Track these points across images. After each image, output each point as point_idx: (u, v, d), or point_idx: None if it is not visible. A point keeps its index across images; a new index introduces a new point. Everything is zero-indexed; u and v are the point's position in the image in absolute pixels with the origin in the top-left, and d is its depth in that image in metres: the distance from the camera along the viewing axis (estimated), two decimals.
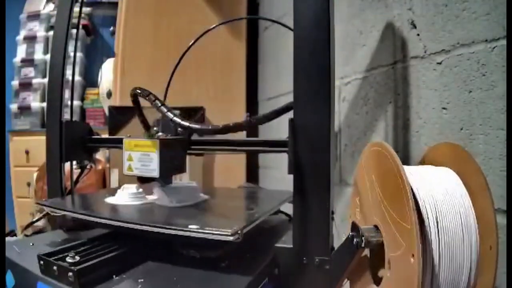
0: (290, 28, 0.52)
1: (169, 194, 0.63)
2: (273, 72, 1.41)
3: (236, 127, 0.58)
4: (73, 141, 0.72)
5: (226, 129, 0.58)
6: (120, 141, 0.64)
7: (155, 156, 0.59)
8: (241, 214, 0.64)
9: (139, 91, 0.66)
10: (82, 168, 0.81)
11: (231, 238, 0.44)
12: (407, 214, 0.38)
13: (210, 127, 0.59)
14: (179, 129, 0.66)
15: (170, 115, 0.62)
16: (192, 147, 0.66)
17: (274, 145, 0.58)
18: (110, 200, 0.65)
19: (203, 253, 0.51)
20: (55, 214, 0.60)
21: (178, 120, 0.61)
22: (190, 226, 0.47)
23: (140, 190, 0.66)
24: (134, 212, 0.60)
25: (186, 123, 0.60)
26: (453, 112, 0.58)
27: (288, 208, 0.74)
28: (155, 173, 0.59)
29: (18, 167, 2.14)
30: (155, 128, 0.70)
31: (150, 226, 0.49)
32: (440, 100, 0.61)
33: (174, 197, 0.62)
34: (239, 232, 0.45)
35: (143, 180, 0.64)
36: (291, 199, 0.73)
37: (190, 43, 0.71)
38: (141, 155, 0.60)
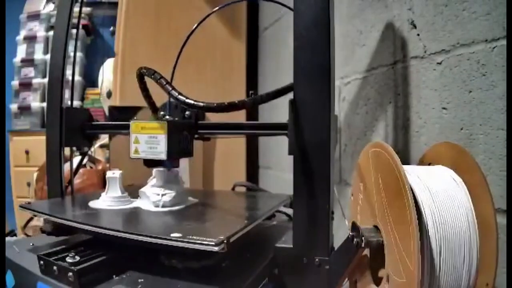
0: (291, 9, 0.52)
1: (155, 198, 0.61)
2: (273, 72, 1.41)
3: (240, 105, 0.58)
4: (73, 127, 0.72)
5: (231, 106, 0.58)
6: (120, 126, 0.64)
7: (162, 138, 0.58)
8: (230, 220, 0.61)
9: (145, 71, 0.66)
10: (83, 154, 0.81)
11: (215, 248, 0.41)
12: (406, 214, 0.38)
13: (215, 105, 0.59)
14: (186, 113, 0.66)
15: (175, 93, 0.61)
16: (199, 131, 0.66)
17: (277, 127, 0.58)
18: (93, 204, 0.63)
19: (186, 263, 0.48)
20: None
21: (183, 98, 0.60)
22: (172, 235, 0.44)
23: (125, 193, 0.64)
24: (115, 217, 0.58)
25: (191, 101, 0.60)
26: (453, 112, 0.58)
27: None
28: (163, 155, 0.58)
29: (18, 167, 2.14)
30: (162, 112, 0.70)
31: (127, 233, 0.46)
32: (440, 100, 0.61)
33: (160, 201, 0.60)
34: (225, 241, 0.42)
35: (149, 164, 0.63)
36: (286, 202, 0.73)
37: (193, 27, 0.71)
38: (148, 137, 0.59)
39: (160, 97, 0.72)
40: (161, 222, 0.56)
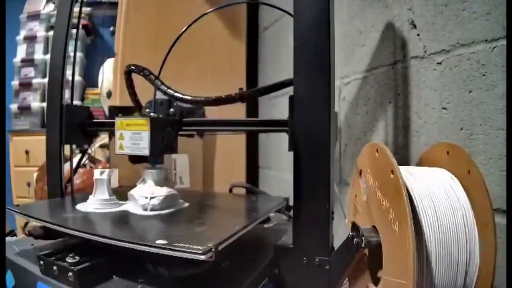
0: (290, 14, 0.52)
1: (143, 201, 0.59)
2: (273, 72, 1.41)
3: (228, 99, 0.59)
4: (74, 124, 0.72)
5: (218, 100, 0.59)
6: None
7: (146, 135, 0.58)
8: (220, 225, 0.58)
9: (133, 68, 0.67)
10: (83, 152, 0.81)
11: (202, 257, 0.39)
12: (403, 214, 0.38)
13: (203, 98, 0.59)
14: (171, 110, 0.67)
15: (163, 87, 0.62)
16: (184, 128, 0.66)
17: (277, 124, 0.58)
18: (81, 207, 0.61)
19: (172, 271, 0.46)
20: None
21: (171, 92, 0.61)
22: (157, 242, 0.42)
23: (113, 196, 0.62)
24: (101, 221, 0.56)
25: (179, 95, 0.60)
26: (453, 112, 0.58)
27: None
28: (146, 151, 0.59)
29: (18, 167, 2.14)
30: (147, 110, 0.70)
31: (111, 239, 0.45)
32: (440, 100, 0.61)
33: (148, 205, 0.59)
34: (212, 250, 0.40)
35: (134, 160, 0.63)
36: (281, 206, 0.73)
37: (187, 26, 0.71)
38: (132, 133, 0.60)
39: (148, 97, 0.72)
40: (148, 227, 0.54)
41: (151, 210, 0.58)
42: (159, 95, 0.67)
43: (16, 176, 2.13)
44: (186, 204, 0.65)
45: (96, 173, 0.62)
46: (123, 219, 0.57)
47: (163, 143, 0.62)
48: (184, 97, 0.60)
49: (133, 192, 0.61)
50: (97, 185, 0.62)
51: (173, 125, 0.65)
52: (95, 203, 0.61)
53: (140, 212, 0.59)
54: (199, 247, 0.40)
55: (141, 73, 0.65)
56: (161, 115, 0.66)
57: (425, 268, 0.40)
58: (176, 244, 0.41)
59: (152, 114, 0.67)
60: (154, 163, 0.63)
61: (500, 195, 0.49)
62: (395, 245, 0.40)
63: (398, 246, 0.39)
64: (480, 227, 0.42)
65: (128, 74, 0.68)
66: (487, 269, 0.41)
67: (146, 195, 0.59)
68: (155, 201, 0.59)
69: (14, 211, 0.59)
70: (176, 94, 0.60)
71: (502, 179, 0.50)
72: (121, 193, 0.64)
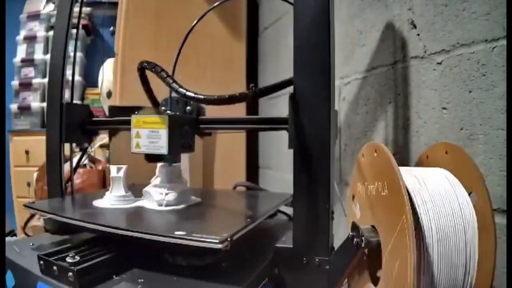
0: (290, 3, 0.52)
1: (159, 197, 0.61)
2: (273, 72, 1.41)
3: (241, 97, 0.58)
4: (73, 122, 0.72)
5: (232, 98, 0.58)
6: (120, 122, 0.64)
7: (164, 133, 0.58)
8: (233, 218, 0.62)
9: (146, 64, 0.66)
10: (83, 150, 0.81)
11: (219, 245, 0.42)
12: (402, 215, 0.38)
13: (216, 97, 0.59)
14: (187, 108, 0.67)
15: (175, 86, 0.61)
16: (200, 126, 0.66)
17: (278, 122, 0.58)
18: (98, 203, 0.63)
19: (190, 261, 0.49)
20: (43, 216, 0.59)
21: (183, 90, 0.61)
22: (176, 232, 0.44)
23: (129, 192, 0.64)
24: (120, 216, 0.58)
25: (192, 94, 0.60)
26: (453, 112, 0.58)
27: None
28: (164, 150, 0.58)
29: (18, 167, 2.14)
30: (163, 108, 0.70)
31: (133, 231, 0.47)
32: (440, 100, 0.61)
33: (163, 200, 0.61)
34: (228, 239, 0.43)
35: (150, 159, 0.63)
36: (288, 201, 0.74)
37: (193, 24, 0.71)
38: (149, 132, 0.59)
39: (162, 95, 0.72)
40: (165, 220, 0.57)
41: (166, 205, 0.60)
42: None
43: (16, 176, 2.13)
44: (199, 200, 0.68)
45: (113, 171, 0.64)
46: (140, 213, 0.59)
47: (181, 141, 0.62)
48: (196, 95, 0.59)
49: (148, 188, 0.63)
50: (113, 182, 0.64)
51: (190, 123, 0.65)
52: (112, 199, 0.63)
53: (156, 207, 0.61)
54: (216, 237, 0.42)
55: (153, 69, 0.65)
56: (178, 113, 0.66)
57: (425, 268, 0.40)
58: (194, 235, 0.43)
59: (168, 112, 0.66)
60: (171, 162, 0.63)
61: (500, 195, 0.49)
62: (395, 246, 0.40)
63: (398, 247, 0.39)
64: (480, 227, 0.42)
65: (141, 71, 0.68)
66: (487, 269, 0.41)
67: (161, 191, 0.61)
68: (170, 197, 0.61)
69: (32, 208, 0.60)
70: (188, 93, 0.60)
71: (502, 179, 0.50)
72: (133, 190, 0.66)
